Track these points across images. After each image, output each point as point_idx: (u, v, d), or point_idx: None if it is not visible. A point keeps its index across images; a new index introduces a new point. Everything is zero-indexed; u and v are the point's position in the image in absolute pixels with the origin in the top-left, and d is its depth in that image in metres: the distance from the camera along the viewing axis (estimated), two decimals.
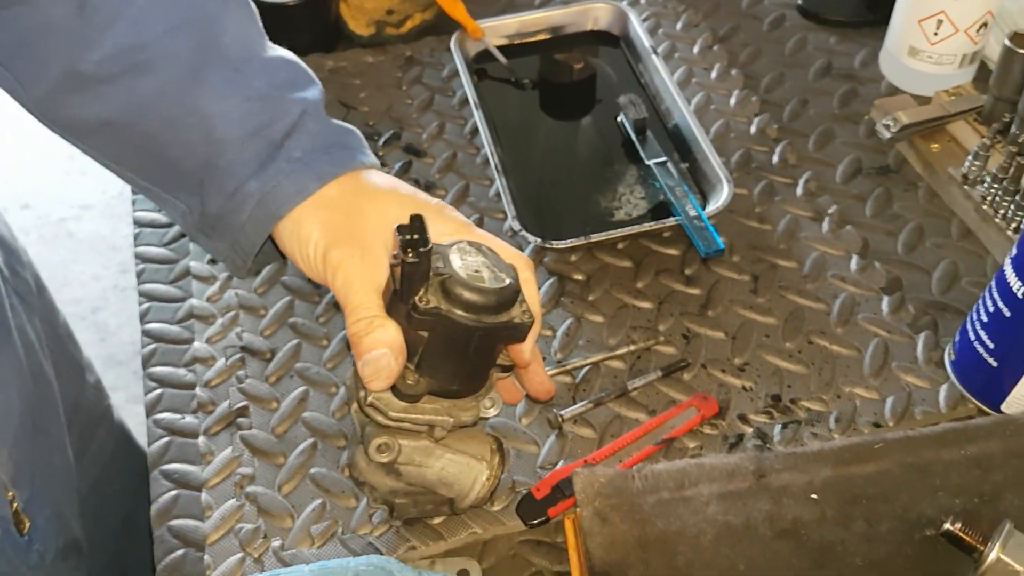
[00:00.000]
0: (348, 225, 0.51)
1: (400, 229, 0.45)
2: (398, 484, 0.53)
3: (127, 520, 0.76)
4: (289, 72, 0.55)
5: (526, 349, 0.51)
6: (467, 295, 0.46)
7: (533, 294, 0.51)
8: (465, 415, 0.51)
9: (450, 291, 0.46)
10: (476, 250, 0.48)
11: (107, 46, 0.51)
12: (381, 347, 0.47)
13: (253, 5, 0.56)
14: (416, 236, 0.45)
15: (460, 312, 0.46)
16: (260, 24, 0.57)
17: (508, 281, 0.47)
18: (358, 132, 0.56)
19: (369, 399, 0.50)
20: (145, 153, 0.54)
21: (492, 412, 0.52)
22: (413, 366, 0.49)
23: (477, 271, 0.47)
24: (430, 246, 0.45)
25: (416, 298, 0.46)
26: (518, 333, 0.48)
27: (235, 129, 0.52)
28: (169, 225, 0.78)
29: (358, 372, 0.49)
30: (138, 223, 0.79)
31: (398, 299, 0.47)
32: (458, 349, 0.48)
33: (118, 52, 0.51)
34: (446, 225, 0.51)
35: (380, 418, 0.50)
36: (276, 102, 0.53)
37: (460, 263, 0.47)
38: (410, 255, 0.45)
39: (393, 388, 0.49)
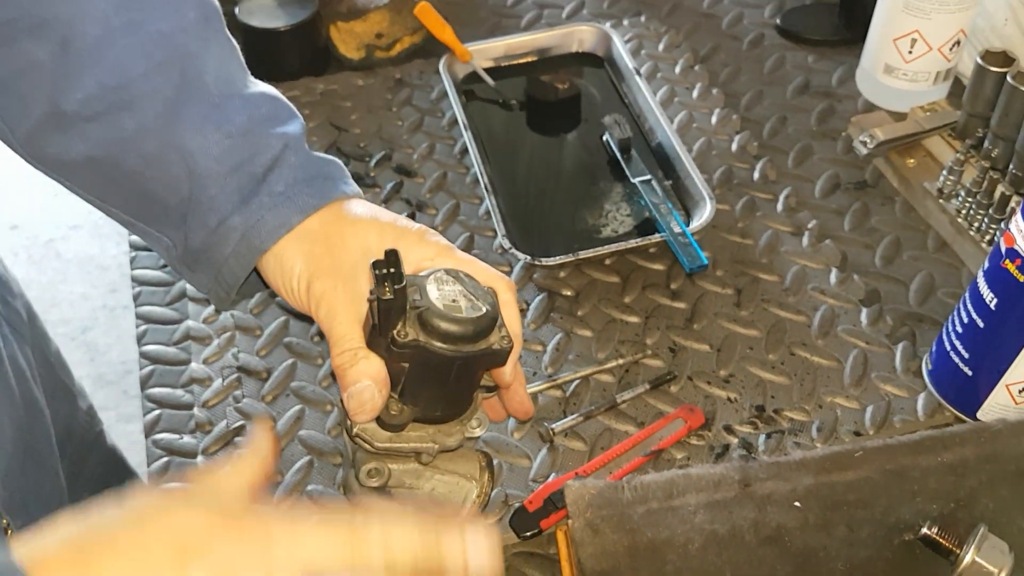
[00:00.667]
0: (330, 256, 0.52)
1: (375, 265, 0.46)
2: None
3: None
4: (270, 107, 0.56)
5: (507, 371, 0.52)
6: (444, 326, 0.46)
7: (514, 316, 0.52)
8: (450, 440, 0.52)
9: (427, 323, 0.46)
10: (453, 278, 0.49)
11: (90, 85, 0.52)
12: (365, 379, 0.48)
13: (234, 42, 0.57)
14: (391, 271, 0.46)
15: (438, 343, 0.46)
16: (242, 60, 0.58)
17: (485, 309, 0.48)
18: (339, 162, 0.58)
19: (355, 430, 0.51)
20: (128, 189, 0.55)
21: (478, 432, 0.53)
22: (396, 395, 0.50)
23: (454, 300, 0.48)
24: (404, 282, 0.46)
25: (395, 332, 0.47)
26: (498, 359, 0.49)
27: (216, 164, 0.53)
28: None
29: (344, 404, 0.50)
30: (134, 246, 0.80)
31: (377, 333, 0.48)
32: (439, 378, 0.49)
33: (101, 91, 0.52)
34: (427, 250, 0.52)
35: (367, 447, 0.51)
36: (257, 137, 0.54)
37: (437, 294, 0.48)
38: (386, 291, 0.45)
39: (377, 419, 0.50)
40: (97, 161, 0.54)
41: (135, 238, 0.81)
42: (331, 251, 0.52)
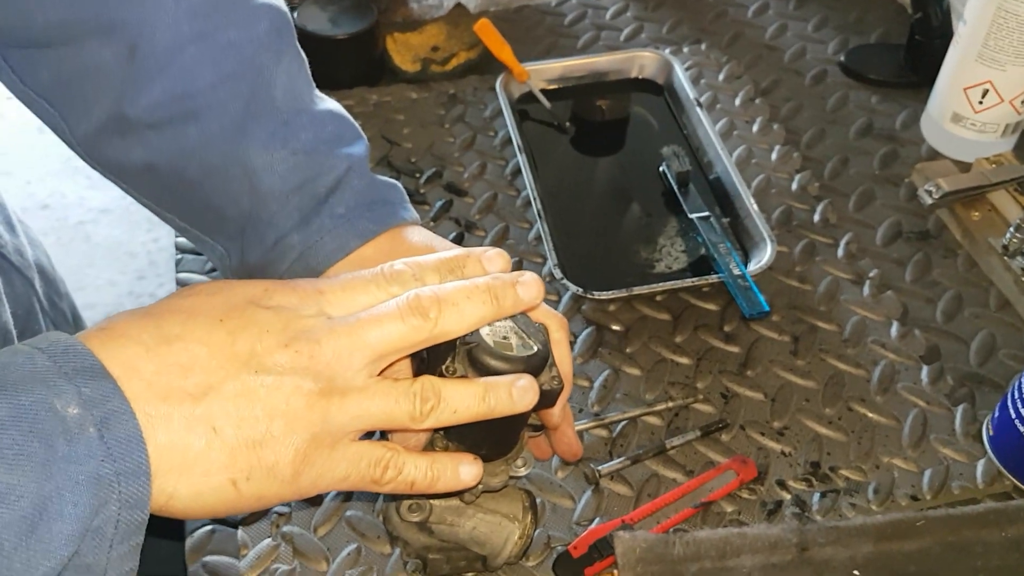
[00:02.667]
0: None
1: None
2: (431, 541, 0.53)
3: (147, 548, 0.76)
4: (336, 126, 0.55)
5: (555, 412, 0.51)
6: (494, 364, 0.45)
7: (565, 355, 0.51)
8: (494, 480, 0.50)
9: (477, 360, 0.45)
10: None
11: (156, 92, 0.51)
12: None
13: (304, 55, 0.56)
14: None
15: None
16: (309, 74, 0.57)
17: (536, 348, 0.46)
18: (399, 186, 0.57)
19: None
20: (186, 198, 0.54)
21: (523, 472, 0.52)
22: (442, 432, 0.49)
23: (505, 337, 0.46)
24: None
25: (443, 367, 0.45)
26: (547, 400, 0.47)
27: (280, 182, 0.52)
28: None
29: (388, 436, 0.49)
30: (180, 248, 0.79)
31: (425, 367, 0.47)
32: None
33: (167, 99, 0.51)
34: None
35: None
36: (322, 157, 0.53)
37: (488, 330, 0.46)
38: None
39: None
40: (157, 168, 0.53)
41: (181, 240, 0.80)
42: None
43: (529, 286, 0.44)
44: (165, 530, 0.70)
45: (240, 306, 0.40)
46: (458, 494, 0.52)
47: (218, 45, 0.52)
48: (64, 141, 0.55)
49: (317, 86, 0.57)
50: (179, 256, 0.79)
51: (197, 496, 0.38)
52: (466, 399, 0.42)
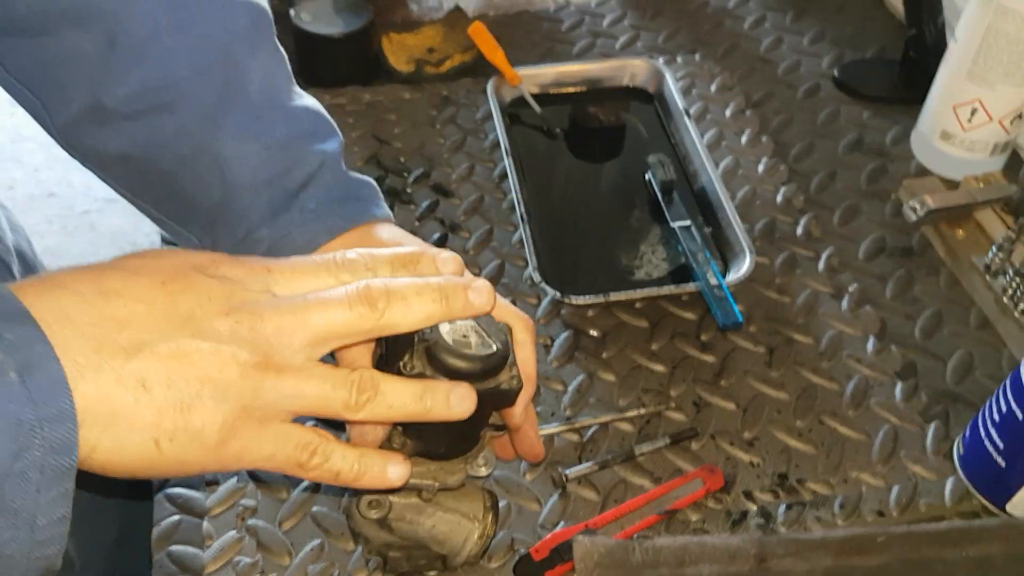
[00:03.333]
0: None
1: None
2: (391, 538, 0.54)
3: (121, 537, 0.77)
4: (312, 122, 0.55)
5: (516, 413, 0.51)
6: (451, 361, 0.45)
7: (528, 356, 0.51)
8: (451, 478, 0.50)
9: (435, 357, 0.45)
10: None
11: (132, 83, 0.51)
12: None
13: (283, 51, 0.57)
14: None
15: (444, 379, 0.45)
16: (289, 70, 0.57)
17: (495, 347, 0.46)
18: (373, 183, 0.57)
19: None
20: (161, 188, 0.55)
21: (484, 471, 0.52)
22: (400, 428, 0.49)
23: (465, 336, 0.46)
24: None
25: (400, 363, 0.45)
26: (506, 399, 0.48)
27: (251, 175, 0.53)
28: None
29: (347, 432, 0.49)
30: (164, 240, 0.80)
31: (384, 363, 0.47)
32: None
33: (143, 90, 0.52)
34: None
35: None
36: (295, 152, 0.53)
37: (448, 328, 0.46)
38: None
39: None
40: (133, 158, 0.54)
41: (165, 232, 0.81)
42: None
43: (481, 292, 0.44)
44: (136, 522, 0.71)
45: (185, 271, 0.39)
46: (417, 492, 0.52)
47: (195, 38, 0.52)
48: (45, 129, 0.55)
49: (311, 83, 0.58)
50: (161, 247, 0.79)
51: (119, 451, 0.37)
52: (403, 396, 0.42)
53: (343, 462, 0.43)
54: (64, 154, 0.57)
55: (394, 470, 0.44)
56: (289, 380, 0.40)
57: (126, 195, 0.57)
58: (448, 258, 0.45)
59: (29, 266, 0.66)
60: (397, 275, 0.43)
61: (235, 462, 0.40)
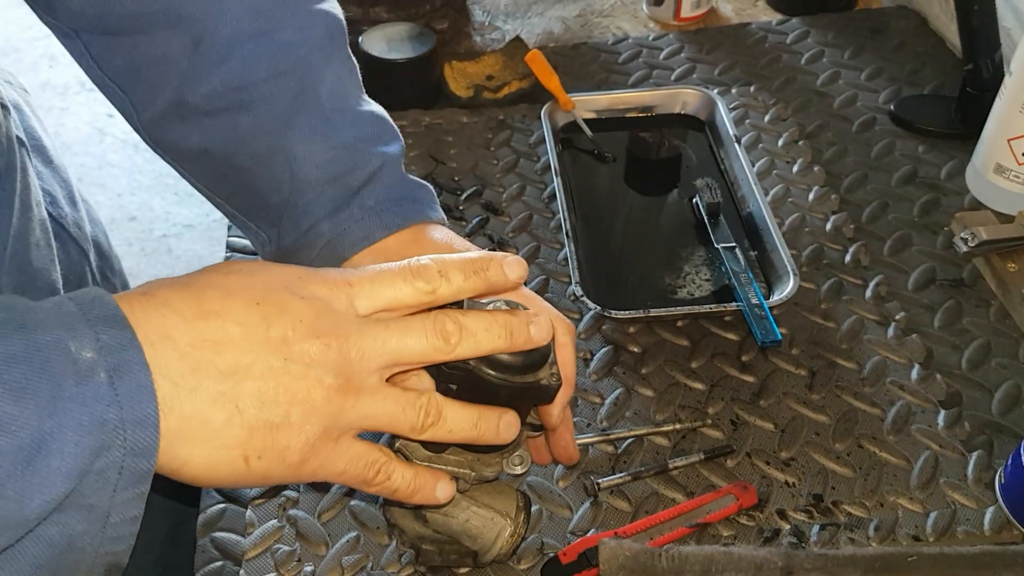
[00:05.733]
0: None
1: None
2: (425, 530, 0.55)
3: (173, 530, 0.80)
4: (376, 126, 0.58)
5: (554, 412, 0.53)
6: (497, 355, 0.47)
7: (568, 358, 0.52)
8: (488, 470, 0.52)
9: None
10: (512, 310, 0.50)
11: (214, 82, 0.55)
12: None
13: (354, 60, 0.60)
14: None
15: (487, 369, 0.47)
16: (359, 78, 0.60)
17: None
18: (430, 187, 0.60)
19: (397, 444, 0.51)
20: (234, 183, 0.58)
21: (519, 470, 0.53)
22: None
23: None
24: (462, 304, 0.47)
25: None
26: (545, 395, 0.49)
27: (318, 173, 0.56)
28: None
29: None
30: (230, 248, 0.84)
31: None
32: (485, 405, 0.49)
33: (223, 89, 0.55)
34: None
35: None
36: (359, 152, 0.57)
37: None
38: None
39: None
40: (210, 153, 0.57)
41: (233, 239, 0.85)
42: None
43: (541, 327, 0.46)
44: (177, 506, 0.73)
45: (276, 290, 0.42)
46: (454, 483, 0.53)
47: (275, 43, 0.56)
48: (132, 125, 0.60)
49: None
50: (228, 254, 0.84)
51: (210, 467, 0.40)
52: (461, 422, 0.45)
53: (401, 481, 0.46)
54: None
55: (442, 489, 0.48)
56: (366, 402, 0.42)
57: (202, 190, 0.60)
58: (514, 263, 0.47)
59: (104, 255, 0.70)
60: (468, 281, 0.45)
61: (311, 477, 0.43)
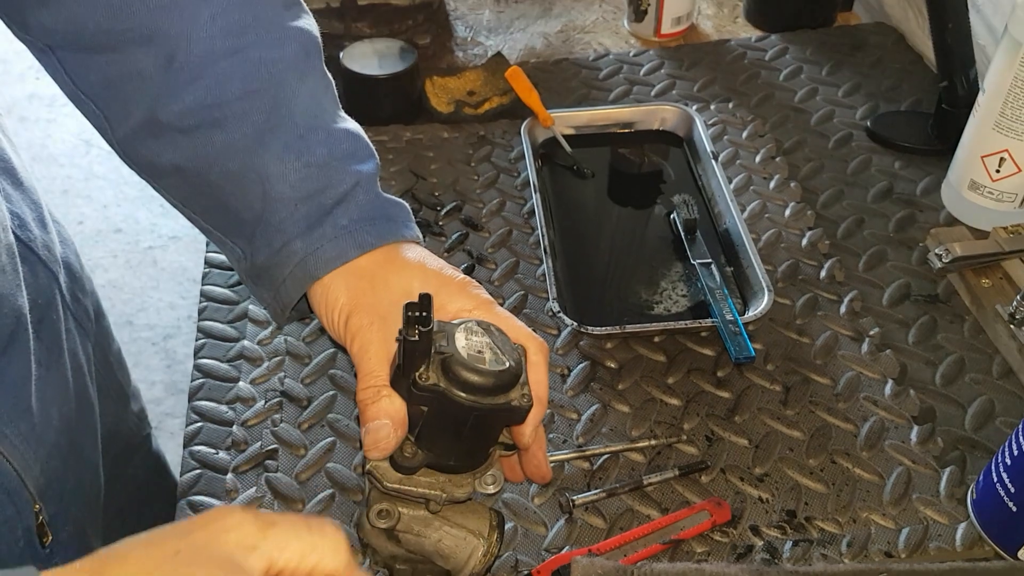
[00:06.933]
0: (372, 294, 0.54)
1: (408, 307, 0.47)
2: (398, 550, 0.55)
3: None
4: (351, 144, 0.58)
5: (526, 432, 0.52)
6: (465, 375, 0.47)
7: (541, 378, 0.52)
8: (459, 491, 0.52)
9: (449, 370, 0.47)
10: (483, 330, 0.50)
11: (187, 100, 0.55)
12: (383, 418, 0.49)
13: (330, 77, 0.60)
14: (422, 314, 0.47)
15: (458, 391, 0.47)
16: (335, 95, 0.60)
17: (508, 364, 0.48)
18: (405, 205, 0.60)
19: (367, 466, 0.51)
20: (208, 199, 0.58)
21: (492, 489, 0.53)
22: (413, 438, 0.51)
23: (480, 352, 0.48)
24: (431, 326, 0.47)
25: (416, 374, 0.48)
26: (516, 416, 0.49)
27: (291, 191, 0.56)
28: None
29: (361, 438, 0.51)
30: (208, 263, 0.84)
31: (401, 373, 0.49)
32: (455, 427, 0.49)
33: (196, 107, 0.55)
34: (467, 301, 0.53)
35: (378, 485, 0.52)
36: (333, 171, 0.56)
37: (464, 343, 0.48)
38: (413, 333, 0.46)
39: (392, 459, 0.51)
40: (184, 170, 0.57)
41: (211, 254, 0.85)
42: (374, 289, 0.54)
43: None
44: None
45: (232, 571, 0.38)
46: (425, 503, 0.53)
47: (248, 61, 0.56)
48: (107, 141, 0.60)
49: (357, 121, 0.61)
50: (207, 270, 0.84)
51: None
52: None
53: None
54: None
55: None
56: None
57: (178, 206, 0.60)
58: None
59: (75, 277, 0.70)
60: None
61: None
